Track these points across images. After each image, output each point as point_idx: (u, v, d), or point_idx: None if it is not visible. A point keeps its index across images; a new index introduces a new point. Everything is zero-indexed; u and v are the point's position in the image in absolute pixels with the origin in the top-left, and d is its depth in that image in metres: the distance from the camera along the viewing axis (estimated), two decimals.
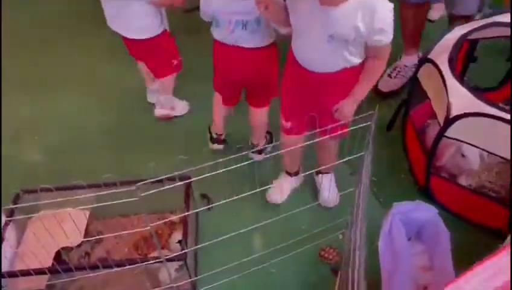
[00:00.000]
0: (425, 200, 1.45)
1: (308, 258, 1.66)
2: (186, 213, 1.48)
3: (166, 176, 1.17)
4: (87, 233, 1.73)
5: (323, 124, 1.30)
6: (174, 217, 1.64)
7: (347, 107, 1.44)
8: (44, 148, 2.19)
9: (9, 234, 1.60)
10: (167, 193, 1.16)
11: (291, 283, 1.61)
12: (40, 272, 1.38)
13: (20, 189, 1.64)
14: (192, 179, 1.23)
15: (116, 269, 1.35)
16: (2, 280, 1.42)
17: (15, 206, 1.58)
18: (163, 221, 1.32)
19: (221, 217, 1.76)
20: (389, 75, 2.34)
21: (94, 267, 1.37)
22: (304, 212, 1.55)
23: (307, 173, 1.72)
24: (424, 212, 1.37)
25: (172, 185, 1.20)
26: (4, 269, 1.47)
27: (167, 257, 1.37)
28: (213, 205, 1.77)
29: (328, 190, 1.79)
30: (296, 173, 1.89)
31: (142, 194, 1.12)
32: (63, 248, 1.66)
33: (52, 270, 1.40)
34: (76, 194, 1.30)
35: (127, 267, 1.36)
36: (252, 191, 1.26)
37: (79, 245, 1.69)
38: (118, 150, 2.15)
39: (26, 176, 2.00)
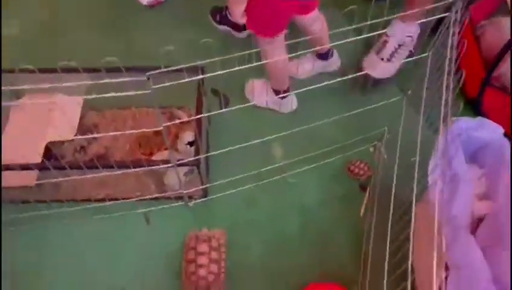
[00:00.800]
0: (471, 115, 1.23)
1: (333, 172, 1.47)
2: (201, 116, 1.23)
3: (176, 68, 0.90)
4: (81, 125, 1.49)
5: None
6: (186, 116, 1.40)
7: None
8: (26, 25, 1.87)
9: None
10: (175, 86, 0.91)
11: (312, 195, 1.43)
12: (26, 168, 1.16)
13: None
14: (207, 75, 0.96)
15: (118, 171, 1.15)
16: None
17: None
18: (175, 122, 1.07)
19: (235, 119, 1.53)
20: None
21: (91, 168, 1.16)
22: (332, 122, 1.31)
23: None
24: (488, 131, 1.14)
25: (191, 79, 0.94)
26: None
27: (179, 163, 1.16)
28: (230, 107, 1.51)
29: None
30: (322, 57, 1.64)
31: (154, 87, 0.87)
32: (53, 142, 1.45)
33: (41, 167, 1.19)
34: (68, 79, 1.01)
35: (131, 170, 1.15)
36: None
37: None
38: (112, 34, 1.85)
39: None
